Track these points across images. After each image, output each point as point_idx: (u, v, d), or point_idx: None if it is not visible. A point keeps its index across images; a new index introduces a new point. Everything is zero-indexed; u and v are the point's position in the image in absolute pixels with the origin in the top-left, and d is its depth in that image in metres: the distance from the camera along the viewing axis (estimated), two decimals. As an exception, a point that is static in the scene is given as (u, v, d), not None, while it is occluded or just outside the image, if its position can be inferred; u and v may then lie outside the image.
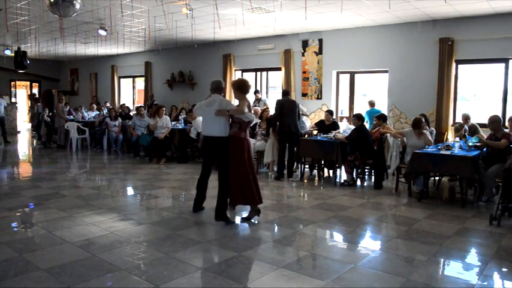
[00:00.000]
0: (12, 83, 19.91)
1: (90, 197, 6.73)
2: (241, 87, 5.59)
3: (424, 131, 7.25)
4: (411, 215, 5.86)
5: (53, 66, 20.07)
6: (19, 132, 17.50)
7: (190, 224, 5.28)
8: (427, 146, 7.00)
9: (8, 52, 14.64)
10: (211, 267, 3.97)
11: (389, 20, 9.65)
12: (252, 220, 5.54)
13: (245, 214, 5.75)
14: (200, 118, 6.81)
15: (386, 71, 10.30)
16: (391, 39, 10.08)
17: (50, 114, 14.05)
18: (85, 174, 9.02)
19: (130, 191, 7.64)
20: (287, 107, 8.31)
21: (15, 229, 5.23)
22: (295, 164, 8.78)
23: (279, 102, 8.37)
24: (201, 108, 5.70)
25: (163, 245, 4.54)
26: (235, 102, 5.86)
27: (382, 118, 8.39)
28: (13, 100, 19.20)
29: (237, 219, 5.66)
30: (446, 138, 9.10)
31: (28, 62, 14.49)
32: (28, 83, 21.18)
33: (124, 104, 14.43)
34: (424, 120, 7.38)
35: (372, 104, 10.12)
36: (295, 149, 8.37)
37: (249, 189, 5.45)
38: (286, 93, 8.75)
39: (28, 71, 15.77)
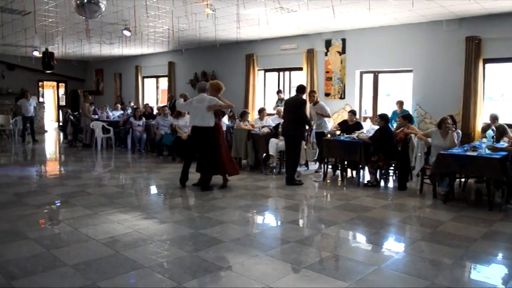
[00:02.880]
0: (40, 83, 20.33)
1: (115, 195, 6.83)
2: (220, 89, 7.40)
3: (450, 131, 7.09)
4: (436, 217, 5.76)
5: (79, 66, 20.42)
6: (46, 131, 17.89)
7: (213, 223, 5.31)
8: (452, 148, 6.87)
9: (36, 53, 14.99)
10: (234, 266, 3.98)
11: (413, 19, 9.52)
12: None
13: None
14: (225, 118, 9.43)
15: (410, 71, 10.15)
16: (415, 39, 9.94)
17: (76, 113, 14.33)
18: (110, 173, 9.17)
19: (153, 189, 7.72)
20: (287, 106, 8.08)
21: (42, 226, 5.35)
22: (319, 164, 8.74)
23: (286, 101, 8.20)
24: (189, 104, 7.37)
25: (186, 243, 4.57)
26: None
27: (407, 118, 8.28)
28: (41, 100, 19.62)
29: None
30: (473, 139, 8.91)
31: (55, 62, 14.78)
32: (55, 83, 21.59)
33: (148, 104, 14.59)
34: (451, 121, 7.23)
35: (401, 104, 9.78)
36: (294, 153, 7.82)
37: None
38: (297, 89, 8.06)
39: (55, 71, 16.07)
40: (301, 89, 8.03)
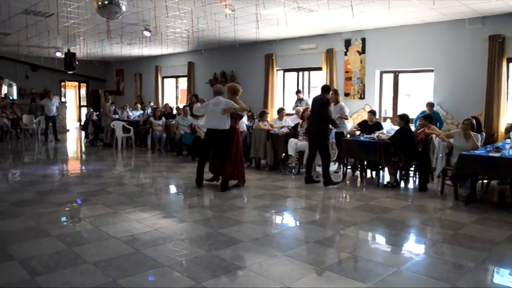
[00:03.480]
0: (62, 83, 20.66)
1: (135, 194, 6.90)
2: (236, 91, 7.44)
3: (473, 134, 6.95)
4: (457, 219, 5.67)
5: (100, 66, 20.70)
6: (68, 130, 18.19)
7: (231, 223, 5.32)
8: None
9: (58, 54, 15.25)
10: (252, 266, 3.98)
11: (435, 18, 9.38)
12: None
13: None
14: (245, 119, 9.64)
15: (431, 70, 10.01)
16: (436, 37, 9.79)
17: (97, 113, 14.53)
18: (130, 172, 9.27)
19: (173, 189, 7.78)
20: (312, 105, 8.06)
21: (64, 223, 5.44)
22: (338, 165, 8.69)
23: (312, 100, 8.17)
24: (205, 107, 7.41)
25: (205, 243, 4.59)
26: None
27: (428, 118, 8.17)
28: (63, 100, 19.95)
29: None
30: (496, 140, 8.73)
31: (77, 63, 15.02)
32: (77, 83, 21.91)
33: (167, 104, 14.70)
34: (475, 124, 7.07)
35: (431, 106, 9.53)
36: (324, 153, 7.70)
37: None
38: (322, 89, 7.96)
39: (77, 71, 16.35)
40: (325, 89, 7.94)
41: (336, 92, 9.50)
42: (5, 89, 22.98)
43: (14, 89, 20.30)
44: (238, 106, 7.28)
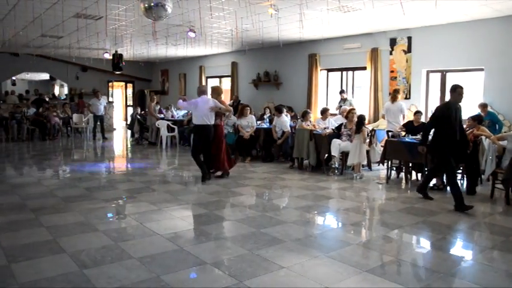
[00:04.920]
0: (110, 83, 21.33)
1: (178, 192, 7.03)
2: (221, 93, 8.38)
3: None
4: (509, 225, 5.44)
5: (146, 67, 21.22)
6: (115, 129, 18.75)
7: (274, 223, 5.33)
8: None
9: (106, 55, 15.75)
10: (294, 266, 3.97)
11: (487, 14, 9.02)
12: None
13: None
14: (284, 117, 10.19)
15: (481, 69, 9.65)
16: (488, 35, 9.42)
17: (142, 112, 14.90)
18: (174, 170, 9.45)
19: (215, 188, 7.86)
20: (453, 113, 6.33)
21: (110, 219, 5.61)
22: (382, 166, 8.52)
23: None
24: (194, 105, 7.91)
25: (247, 242, 4.62)
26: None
27: (477, 119, 7.87)
28: (110, 99, 20.60)
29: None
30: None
31: (124, 64, 15.46)
32: (123, 83, 22.57)
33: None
34: None
35: (484, 106, 9.05)
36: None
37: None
38: (452, 89, 6.51)
39: (123, 72, 16.86)
40: (452, 88, 6.47)
41: (396, 90, 9.42)
42: (56, 89, 24.04)
43: (65, 89, 21.19)
44: (224, 106, 8.17)
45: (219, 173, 8.25)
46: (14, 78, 20.77)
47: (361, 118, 8.57)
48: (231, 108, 8.73)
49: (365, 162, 8.75)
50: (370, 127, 9.60)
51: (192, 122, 8.24)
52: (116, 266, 3.92)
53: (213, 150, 8.07)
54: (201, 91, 8.13)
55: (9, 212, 5.68)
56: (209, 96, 8.18)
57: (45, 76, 22.43)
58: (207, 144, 7.98)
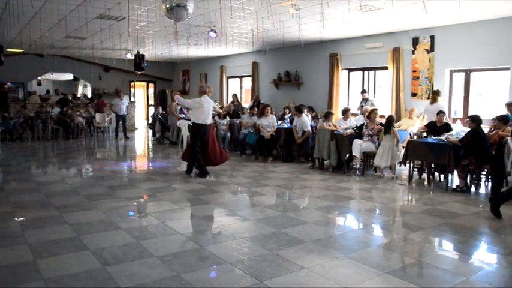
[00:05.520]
0: (132, 83, 21.59)
1: (199, 191, 7.07)
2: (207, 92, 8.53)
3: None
4: (535, 227, 5.32)
5: (167, 67, 21.42)
6: (137, 128, 18.97)
7: (294, 223, 5.32)
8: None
9: (128, 56, 15.95)
10: (314, 267, 3.96)
11: (513, 12, 8.84)
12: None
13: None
14: (305, 117, 10.12)
15: (507, 69, 9.45)
16: (514, 33, 9.22)
17: (164, 112, 15.04)
18: (195, 170, 9.48)
19: (236, 187, 7.88)
20: None
21: (132, 217, 5.68)
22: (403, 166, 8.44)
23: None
24: (197, 103, 8.19)
25: (267, 242, 4.62)
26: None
27: (502, 120, 7.71)
28: (132, 99, 20.84)
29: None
30: None
31: (145, 64, 15.63)
32: (145, 83, 22.81)
33: (240, 103, 14.92)
34: None
35: (510, 106, 8.93)
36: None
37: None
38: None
39: (145, 72, 17.02)
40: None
41: (435, 92, 9.48)
42: (80, 89, 24.45)
43: (88, 89, 21.53)
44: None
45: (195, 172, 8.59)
46: (39, 78, 21.20)
47: (391, 119, 8.51)
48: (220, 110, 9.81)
49: (388, 164, 8.62)
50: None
51: (193, 120, 8.40)
52: (138, 263, 3.97)
53: (209, 147, 8.46)
54: (203, 91, 8.45)
55: (35, 209, 5.81)
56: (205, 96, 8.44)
57: (69, 76, 22.84)
58: (203, 142, 8.35)
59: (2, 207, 5.94)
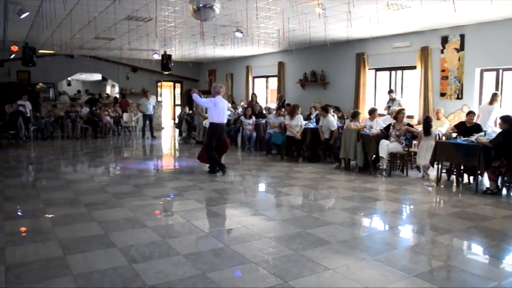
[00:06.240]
0: (158, 83, 21.84)
1: (225, 191, 7.11)
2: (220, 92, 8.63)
3: None
4: None
5: (193, 67, 21.58)
6: (163, 128, 19.19)
7: (320, 224, 5.29)
8: None
9: (155, 56, 16.15)
10: (340, 268, 3.93)
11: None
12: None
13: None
14: (331, 117, 10.10)
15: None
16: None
17: (190, 112, 15.17)
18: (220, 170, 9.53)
19: (262, 187, 7.90)
20: None
21: (158, 216, 5.75)
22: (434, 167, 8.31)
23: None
24: (214, 103, 8.29)
25: (292, 242, 4.61)
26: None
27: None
28: (159, 99, 21.10)
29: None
30: None
31: (172, 64, 15.79)
32: (172, 83, 23.04)
33: (258, 103, 14.93)
34: None
35: None
36: None
37: None
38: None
39: (172, 72, 17.18)
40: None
41: (494, 94, 9.27)
42: (108, 89, 24.91)
43: (116, 89, 21.90)
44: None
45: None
46: (69, 79, 21.68)
47: (429, 120, 8.47)
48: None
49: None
50: (419, 128, 9.33)
51: (210, 120, 8.49)
52: (164, 261, 4.01)
53: (221, 145, 8.64)
54: (217, 91, 8.54)
55: (64, 206, 5.95)
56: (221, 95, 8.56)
57: (98, 77, 23.28)
58: (219, 141, 8.50)
59: (33, 204, 6.11)
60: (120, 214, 5.62)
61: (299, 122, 10.34)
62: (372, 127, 9.11)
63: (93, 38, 13.16)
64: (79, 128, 15.10)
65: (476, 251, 4.74)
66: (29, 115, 14.67)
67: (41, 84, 18.23)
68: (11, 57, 15.57)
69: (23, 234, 4.90)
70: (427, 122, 8.38)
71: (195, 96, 8.56)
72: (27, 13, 8.78)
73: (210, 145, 8.44)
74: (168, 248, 4.37)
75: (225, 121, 8.55)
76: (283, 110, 11.68)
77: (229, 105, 8.40)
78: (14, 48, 13.88)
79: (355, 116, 9.52)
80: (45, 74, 17.93)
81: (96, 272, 3.74)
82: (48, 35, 12.26)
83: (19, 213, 5.71)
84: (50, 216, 5.50)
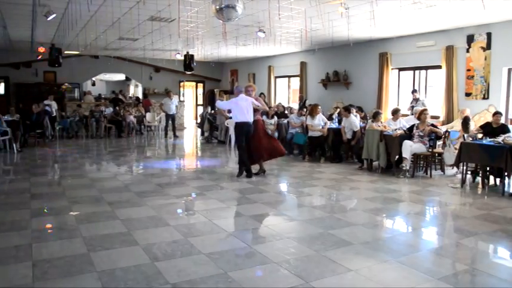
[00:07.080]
0: (181, 83, 22.02)
1: (247, 190, 7.12)
2: (253, 90, 8.61)
3: None
4: None
5: (216, 67, 21.70)
6: (186, 127, 19.35)
7: (342, 224, 5.25)
8: None
9: (178, 56, 16.29)
10: (362, 269, 3.89)
11: None
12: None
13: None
14: (353, 117, 10.03)
15: None
16: None
17: (212, 112, 15.26)
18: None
19: (283, 187, 7.88)
20: None
21: (181, 215, 5.80)
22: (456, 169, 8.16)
23: None
24: (234, 103, 8.30)
25: (314, 242, 4.59)
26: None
27: None
28: (181, 99, 21.27)
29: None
30: None
31: (195, 64, 15.92)
32: (194, 83, 23.21)
33: (280, 103, 14.93)
34: None
35: None
36: None
37: None
38: None
39: (194, 72, 17.33)
40: None
41: None
42: (131, 89, 25.24)
43: (139, 89, 22.17)
44: (261, 104, 8.61)
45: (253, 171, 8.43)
46: (93, 79, 22.05)
47: (467, 119, 8.56)
48: (267, 108, 9.62)
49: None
50: (444, 128, 9.20)
51: (234, 120, 8.44)
52: (186, 260, 4.05)
53: (253, 144, 8.35)
54: (239, 91, 8.53)
55: (89, 205, 6.06)
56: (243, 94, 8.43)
57: (121, 77, 23.61)
58: (247, 139, 8.27)
59: (59, 201, 6.23)
60: (143, 212, 5.68)
61: (321, 120, 10.28)
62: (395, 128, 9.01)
63: (117, 39, 13.36)
64: (103, 127, 15.34)
65: (503, 255, 4.64)
66: (54, 115, 15.02)
67: (66, 84, 18.62)
68: (38, 58, 15.95)
69: (49, 231, 5.01)
70: (465, 122, 8.48)
71: (217, 102, 8.73)
72: (54, 15, 8.95)
73: (239, 144, 8.33)
74: (190, 247, 4.40)
75: (250, 119, 8.22)
76: (304, 110, 11.63)
77: (254, 101, 8.29)
78: (41, 49, 14.24)
79: (375, 116, 9.43)
80: (71, 74, 18.31)
81: (120, 270, 3.80)
82: (73, 36, 12.49)
83: (45, 210, 5.84)
84: (75, 213, 5.60)
